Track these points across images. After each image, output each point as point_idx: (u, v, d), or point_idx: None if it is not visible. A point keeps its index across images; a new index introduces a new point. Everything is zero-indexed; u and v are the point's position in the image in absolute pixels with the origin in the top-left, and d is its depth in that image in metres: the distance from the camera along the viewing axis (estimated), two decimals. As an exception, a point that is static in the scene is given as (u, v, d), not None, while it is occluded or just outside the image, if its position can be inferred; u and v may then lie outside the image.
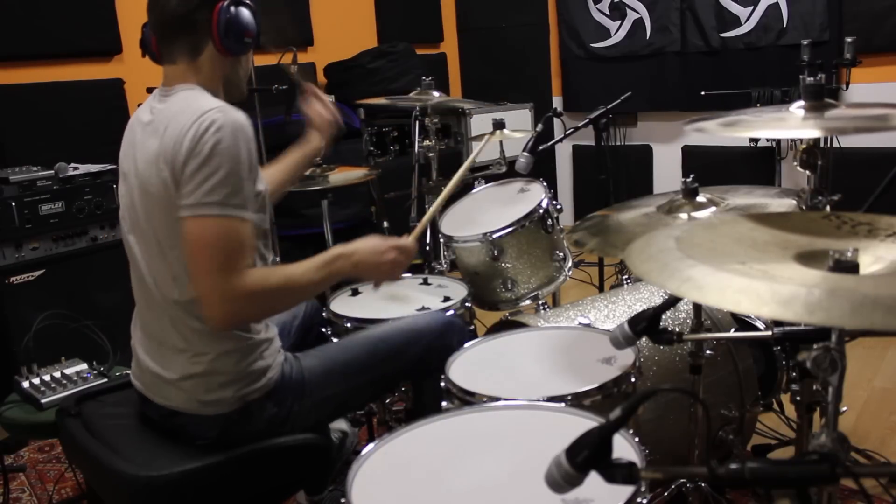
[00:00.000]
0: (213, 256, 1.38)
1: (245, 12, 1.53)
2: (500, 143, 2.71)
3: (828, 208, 1.39)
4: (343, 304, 2.16)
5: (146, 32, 1.62)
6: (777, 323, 1.20)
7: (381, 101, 2.54)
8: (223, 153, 1.38)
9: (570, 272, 2.28)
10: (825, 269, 0.92)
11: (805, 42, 3.50)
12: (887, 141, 3.60)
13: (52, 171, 2.80)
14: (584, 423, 1.28)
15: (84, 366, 2.15)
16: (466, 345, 1.71)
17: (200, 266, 1.39)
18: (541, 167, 2.50)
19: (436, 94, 2.55)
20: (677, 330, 1.34)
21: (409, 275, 2.40)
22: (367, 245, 1.62)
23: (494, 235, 2.13)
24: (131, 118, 1.59)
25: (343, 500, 1.11)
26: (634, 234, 1.58)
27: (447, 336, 1.79)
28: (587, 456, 0.84)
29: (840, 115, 1.31)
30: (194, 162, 1.38)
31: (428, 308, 2.04)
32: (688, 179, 1.73)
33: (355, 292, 2.28)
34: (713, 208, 1.69)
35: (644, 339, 1.34)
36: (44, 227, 2.76)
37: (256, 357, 1.52)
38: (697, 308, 1.58)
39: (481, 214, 2.32)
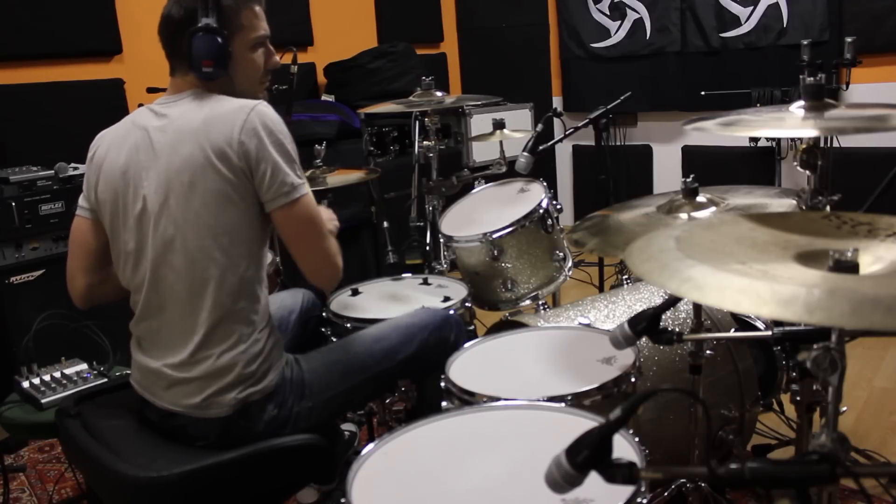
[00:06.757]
0: (319, 227, 1.53)
1: (197, 41, 1.49)
2: (501, 143, 2.71)
3: (828, 208, 1.39)
4: (343, 305, 2.16)
5: None
6: (777, 323, 1.20)
7: (388, 106, 2.52)
8: (288, 137, 1.50)
9: (570, 272, 2.28)
10: (825, 269, 0.92)
11: (805, 42, 3.49)
12: (887, 141, 3.60)
13: (52, 171, 2.79)
14: (584, 423, 1.28)
15: (84, 366, 2.15)
16: (466, 345, 1.71)
17: (312, 241, 1.53)
18: (541, 167, 2.50)
19: (439, 93, 2.54)
20: (677, 330, 1.33)
21: (409, 275, 2.40)
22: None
23: (494, 235, 2.13)
24: (126, 126, 1.57)
25: (343, 500, 1.11)
26: (634, 234, 1.58)
27: (444, 331, 1.80)
28: (587, 456, 0.84)
29: (840, 115, 1.31)
30: (270, 152, 1.44)
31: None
32: (688, 179, 1.72)
33: (355, 292, 2.28)
34: (713, 208, 1.69)
35: (644, 339, 1.34)
36: (44, 227, 2.76)
37: (264, 357, 1.53)
38: (697, 308, 1.58)
39: (481, 214, 2.32)
